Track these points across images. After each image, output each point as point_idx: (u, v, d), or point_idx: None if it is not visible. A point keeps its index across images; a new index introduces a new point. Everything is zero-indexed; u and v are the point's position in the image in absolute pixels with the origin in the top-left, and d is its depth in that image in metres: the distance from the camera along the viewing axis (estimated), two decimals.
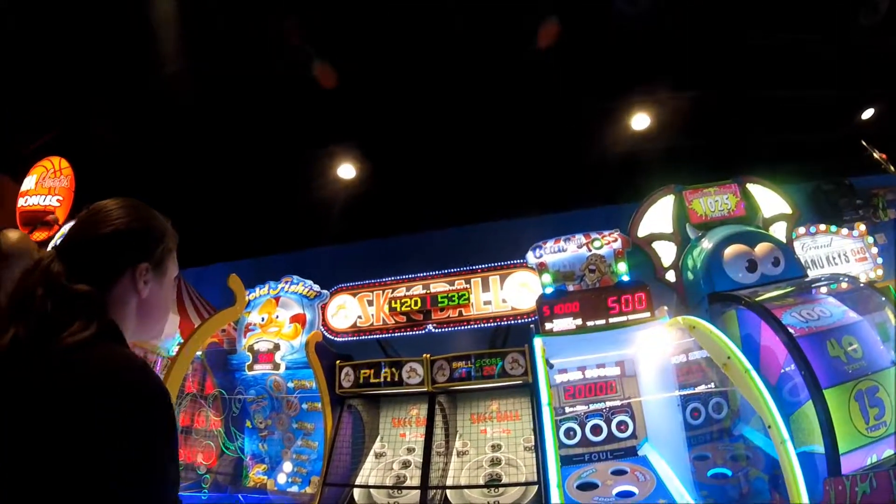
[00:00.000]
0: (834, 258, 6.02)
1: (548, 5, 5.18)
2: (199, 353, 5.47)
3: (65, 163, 6.08)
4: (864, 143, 6.09)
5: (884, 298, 3.72)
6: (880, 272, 5.98)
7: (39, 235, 5.75)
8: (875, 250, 6.13)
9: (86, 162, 6.01)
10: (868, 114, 6.72)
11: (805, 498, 2.82)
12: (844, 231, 6.18)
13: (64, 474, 0.87)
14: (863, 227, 6.25)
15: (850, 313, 3.62)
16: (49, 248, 1.20)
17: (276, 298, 5.89)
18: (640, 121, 6.40)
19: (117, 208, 1.23)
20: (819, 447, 3.00)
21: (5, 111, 5.82)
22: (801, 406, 3.29)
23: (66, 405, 0.91)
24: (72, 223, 1.24)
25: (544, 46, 5.36)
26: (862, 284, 4.03)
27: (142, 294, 1.21)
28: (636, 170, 6.24)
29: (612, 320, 4.74)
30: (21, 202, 6.08)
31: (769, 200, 5.05)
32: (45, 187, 6.02)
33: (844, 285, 3.99)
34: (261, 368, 5.67)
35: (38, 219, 5.84)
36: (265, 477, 5.77)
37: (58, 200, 5.91)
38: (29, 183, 6.15)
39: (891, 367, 3.30)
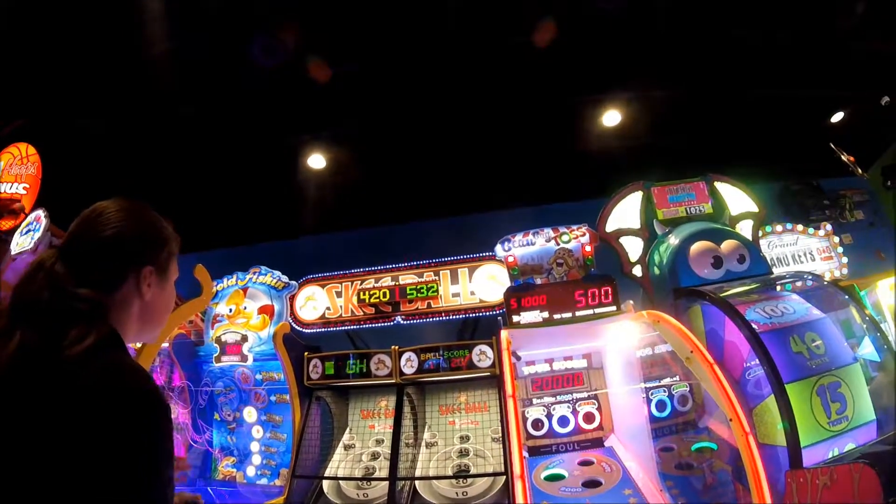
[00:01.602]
0: (799, 256, 6.23)
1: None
2: (165, 344, 5.38)
3: (32, 150, 5.87)
4: (832, 145, 6.30)
5: (847, 297, 3.88)
6: (845, 271, 6.21)
7: (6, 224, 5.55)
8: (840, 250, 6.36)
9: (54, 149, 5.81)
10: (837, 117, 6.93)
11: (767, 490, 2.93)
12: (811, 230, 6.40)
13: (66, 483, 0.87)
14: (829, 227, 6.48)
15: (813, 310, 3.74)
16: (51, 248, 1.17)
17: (244, 289, 5.81)
18: (611, 117, 6.49)
19: (122, 210, 1.22)
20: (781, 440, 3.12)
21: None
22: (764, 400, 3.42)
23: (73, 417, 0.92)
24: (75, 223, 1.21)
25: (542, 44, 5.39)
26: (826, 283, 4.19)
27: (145, 297, 1.21)
28: (605, 166, 6.33)
29: (578, 314, 4.81)
30: None
31: (736, 199, 5.17)
32: (12, 175, 5.82)
33: (809, 283, 4.14)
34: (228, 360, 5.60)
35: (4, 207, 5.63)
36: (234, 470, 5.71)
37: (24, 188, 5.71)
38: None
39: (853, 364, 3.44)
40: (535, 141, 6.54)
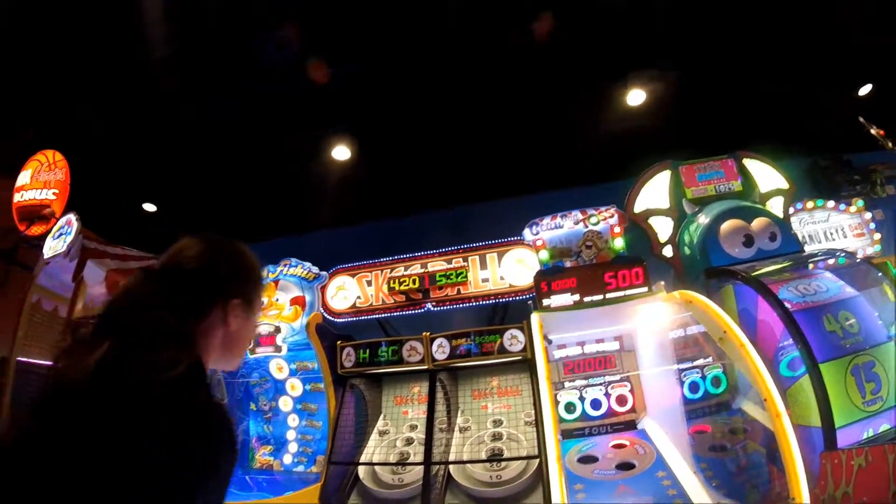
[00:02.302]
0: (831, 233, 6.03)
1: None
2: None
3: (59, 156, 6.06)
4: (861, 119, 6.05)
5: (881, 274, 3.76)
6: (878, 248, 6.00)
7: (37, 230, 5.77)
8: (873, 226, 6.14)
9: (77, 154, 5.98)
10: (866, 90, 6.65)
11: (801, 471, 2.88)
12: (842, 206, 6.18)
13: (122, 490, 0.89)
14: (860, 203, 6.25)
15: (846, 288, 3.64)
16: (146, 270, 1.22)
17: (276, 282, 5.90)
18: (636, 97, 6.34)
19: (216, 244, 1.31)
20: (815, 421, 3.06)
21: None
22: (798, 380, 3.34)
23: (146, 433, 0.94)
24: (171, 252, 1.27)
25: (541, 37, 5.31)
26: (859, 260, 4.05)
27: (230, 327, 1.25)
28: (632, 146, 6.20)
29: (609, 295, 4.76)
30: (17, 197, 6.08)
31: (766, 175, 5.03)
32: (41, 181, 6.02)
33: (841, 261, 4.02)
34: (263, 351, 5.71)
35: (35, 213, 5.83)
36: (271, 458, 5.86)
37: (54, 194, 5.90)
38: (24, 178, 6.15)
39: (888, 342, 3.33)
40: (559, 123, 6.46)
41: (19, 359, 5.25)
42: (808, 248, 4.90)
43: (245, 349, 1.36)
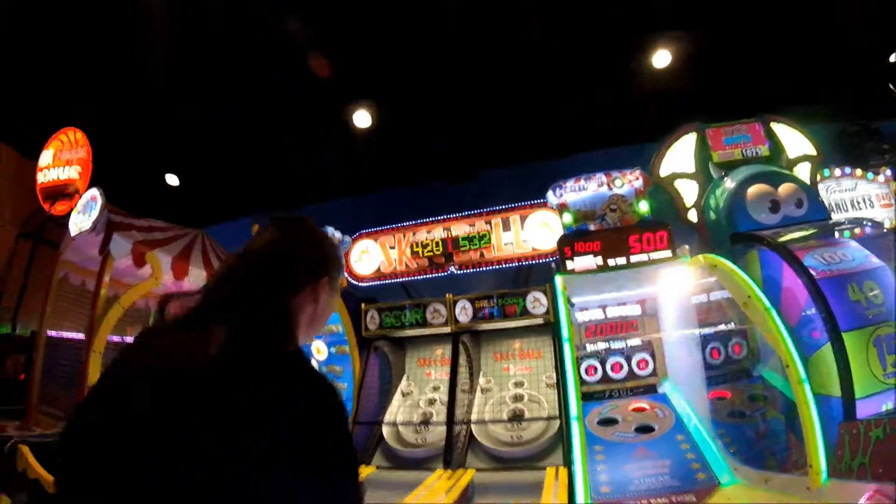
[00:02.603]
0: (858, 202, 5.86)
1: None
2: None
3: (80, 134, 6.17)
4: (891, 86, 5.78)
5: None
6: None
7: (61, 208, 5.93)
8: None
9: (99, 129, 6.07)
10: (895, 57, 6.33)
11: (820, 439, 2.87)
12: (870, 175, 5.98)
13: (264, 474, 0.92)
14: (888, 173, 6.05)
15: (872, 258, 3.53)
16: (240, 256, 1.30)
17: None
18: (662, 58, 6.12)
19: (308, 227, 1.40)
20: (835, 391, 3.04)
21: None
22: (820, 349, 3.29)
23: (275, 411, 0.99)
24: (266, 232, 1.36)
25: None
26: (886, 230, 3.93)
27: (319, 304, 1.34)
28: (658, 109, 6.04)
29: (633, 259, 4.69)
30: (40, 177, 6.25)
31: (794, 141, 4.85)
32: (63, 160, 6.16)
33: (868, 230, 3.89)
34: None
35: (59, 192, 5.97)
36: None
37: (77, 171, 6.04)
38: (46, 158, 6.30)
39: None
40: (584, 85, 6.28)
41: (49, 333, 5.45)
42: (834, 217, 4.77)
43: (324, 325, 1.43)
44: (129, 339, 5.33)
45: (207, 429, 0.93)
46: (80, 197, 5.57)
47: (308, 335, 1.35)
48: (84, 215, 5.26)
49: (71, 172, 6.05)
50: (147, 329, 1.19)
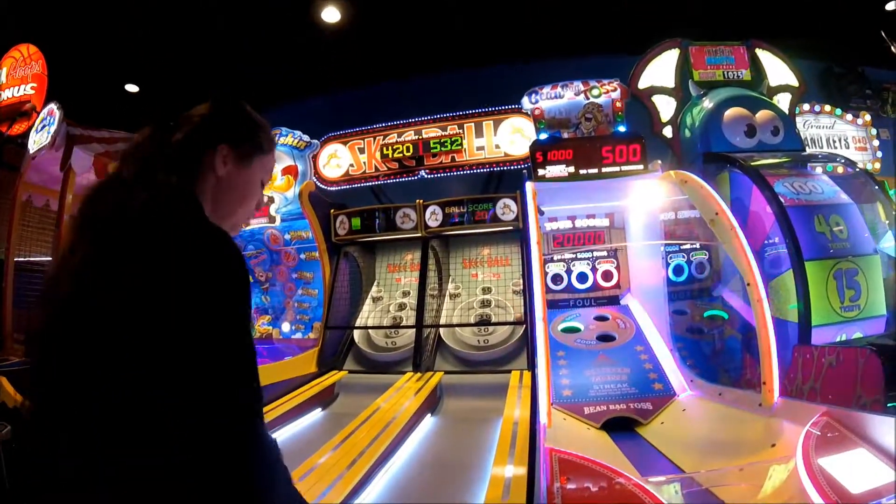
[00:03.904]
0: (834, 141, 5.87)
1: None
2: None
3: (33, 48, 5.72)
4: (884, 33, 5.62)
5: (877, 188, 3.70)
6: (878, 165, 5.88)
7: (19, 128, 5.58)
8: (876, 143, 5.98)
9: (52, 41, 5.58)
10: (893, 5, 6.11)
11: (774, 357, 3.04)
12: (849, 117, 5.99)
13: (162, 321, 0.92)
14: (868, 118, 6.05)
15: (841, 194, 3.61)
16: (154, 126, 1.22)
17: None
18: None
19: (212, 98, 1.31)
20: (793, 316, 3.19)
21: None
22: (781, 275, 3.42)
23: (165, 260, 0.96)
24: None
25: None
26: (858, 169, 3.97)
27: (218, 173, 1.23)
28: (641, 20, 5.76)
29: (605, 170, 4.68)
30: None
31: (777, 70, 4.78)
32: (18, 77, 5.74)
33: (841, 168, 3.94)
34: (256, 222, 5.76)
35: (16, 111, 5.59)
36: (270, 327, 6.15)
37: (32, 88, 5.64)
38: (0, 77, 5.84)
39: (873, 255, 3.38)
40: None
41: (17, 259, 5.29)
42: (808, 150, 4.80)
43: (236, 210, 1.31)
44: None
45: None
46: (38, 114, 5.27)
47: (219, 216, 1.25)
48: (42, 132, 4.99)
49: (26, 90, 5.66)
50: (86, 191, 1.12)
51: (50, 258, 5.14)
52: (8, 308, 5.12)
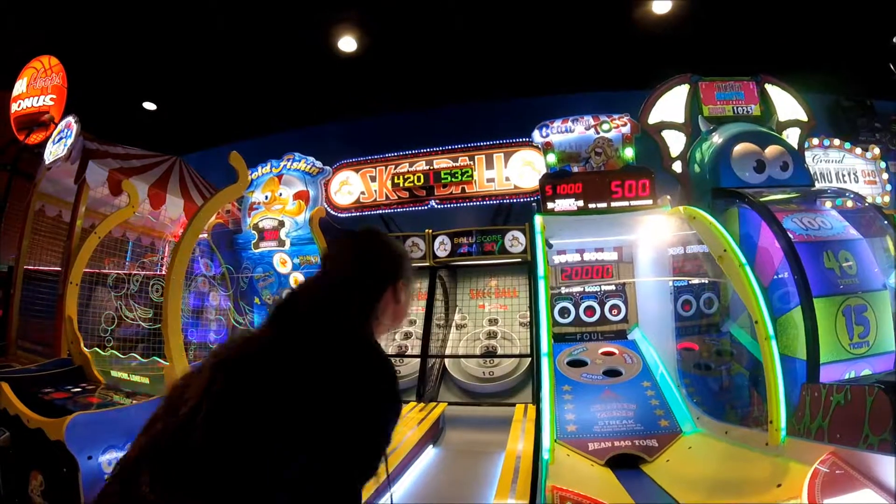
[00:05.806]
0: (843, 175, 5.87)
1: None
2: (204, 235, 5.57)
3: (54, 60, 5.84)
4: (891, 66, 5.68)
5: (887, 222, 3.68)
6: (887, 199, 5.86)
7: (37, 137, 5.68)
8: (886, 176, 5.97)
9: (74, 56, 5.73)
10: None
11: (782, 395, 2.97)
12: (858, 150, 5.98)
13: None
14: (877, 150, 6.04)
15: (850, 229, 3.58)
16: (321, 277, 1.52)
17: (279, 176, 5.83)
18: (661, 5, 5.85)
19: (384, 239, 1.62)
20: (801, 353, 3.14)
21: None
22: (789, 311, 3.38)
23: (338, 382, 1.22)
24: (348, 243, 1.62)
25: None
26: (868, 204, 3.95)
27: (401, 303, 1.55)
28: (651, 56, 5.84)
29: (614, 204, 4.69)
30: (14, 107, 5.95)
31: (786, 104, 4.78)
32: (38, 88, 5.86)
33: (850, 202, 3.92)
34: (266, 246, 5.77)
35: (34, 121, 5.71)
36: None
37: (51, 99, 5.75)
38: (20, 86, 5.99)
39: (882, 290, 3.34)
40: (577, 24, 5.99)
41: (26, 267, 5.36)
42: (818, 185, 4.80)
43: (405, 318, 1.63)
44: (106, 271, 5.30)
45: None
46: (55, 126, 5.38)
47: (394, 326, 1.58)
48: (59, 144, 5.10)
49: (45, 101, 5.78)
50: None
51: (59, 269, 5.17)
52: (14, 315, 5.17)
